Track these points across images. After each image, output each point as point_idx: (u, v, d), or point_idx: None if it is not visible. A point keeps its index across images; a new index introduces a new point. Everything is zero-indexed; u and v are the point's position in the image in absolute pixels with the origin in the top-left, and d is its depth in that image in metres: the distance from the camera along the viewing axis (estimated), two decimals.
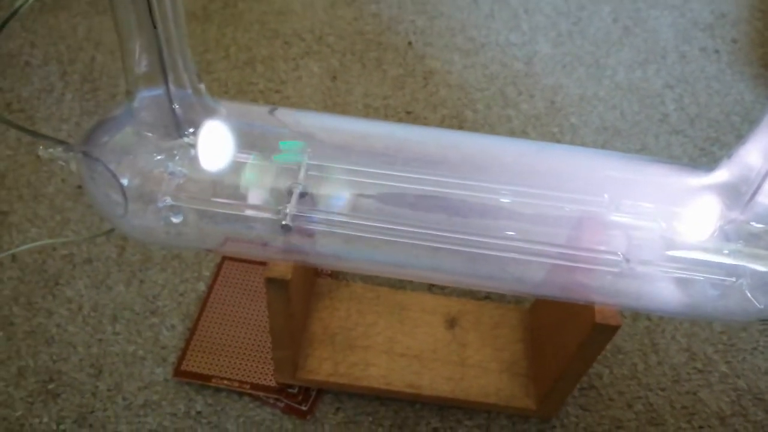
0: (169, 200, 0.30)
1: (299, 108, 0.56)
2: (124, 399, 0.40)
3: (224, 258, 0.46)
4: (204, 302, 0.44)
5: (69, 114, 0.55)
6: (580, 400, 0.41)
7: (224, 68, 0.60)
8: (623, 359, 0.43)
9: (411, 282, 0.45)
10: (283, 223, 0.29)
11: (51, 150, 0.31)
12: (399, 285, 0.45)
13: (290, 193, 0.29)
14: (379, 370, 0.40)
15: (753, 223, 0.28)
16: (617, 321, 0.31)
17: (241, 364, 0.41)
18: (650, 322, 0.45)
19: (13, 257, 0.45)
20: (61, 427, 0.38)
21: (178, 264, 0.46)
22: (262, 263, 0.46)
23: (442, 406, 0.40)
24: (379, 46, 0.64)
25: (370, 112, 0.58)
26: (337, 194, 0.30)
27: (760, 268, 0.29)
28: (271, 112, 0.32)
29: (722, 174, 0.30)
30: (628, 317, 0.45)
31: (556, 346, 0.37)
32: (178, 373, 0.40)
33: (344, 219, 0.30)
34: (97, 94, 0.57)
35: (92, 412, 0.39)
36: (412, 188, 0.30)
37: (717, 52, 0.66)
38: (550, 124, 0.57)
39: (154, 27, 0.26)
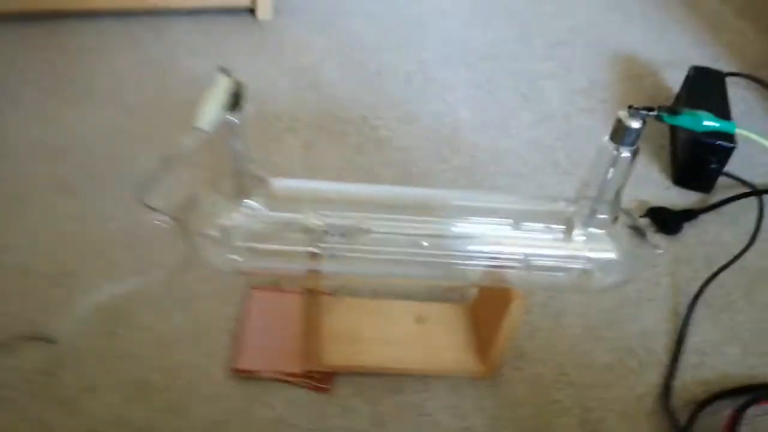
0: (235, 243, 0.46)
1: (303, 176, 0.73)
2: (196, 393, 0.54)
3: (253, 288, 0.62)
4: (243, 320, 0.59)
5: (103, 187, 0.70)
6: (515, 363, 0.59)
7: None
8: (539, 334, 0.61)
9: (388, 292, 0.63)
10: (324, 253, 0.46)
11: (157, 218, 0.47)
12: (377, 296, 0.62)
13: (323, 233, 0.46)
14: (374, 355, 0.57)
15: (592, 230, 0.47)
16: (524, 297, 0.50)
17: (276, 360, 0.56)
18: (556, 309, 0.64)
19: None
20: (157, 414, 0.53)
21: (218, 296, 0.61)
22: (282, 291, 0.62)
23: (421, 376, 0.57)
24: (339, 120, 0.82)
25: (340, 172, 0.76)
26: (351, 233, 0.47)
27: (600, 256, 0.48)
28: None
29: (572, 204, 0.49)
30: (540, 306, 0.63)
31: (491, 325, 0.55)
32: (234, 369, 0.56)
33: (356, 248, 0.47)
34: (123, 169, 0.72)
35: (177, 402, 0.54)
36: (398, 225, 0.48)
37: (593, 110, 0.88)
38: (475, 173, 0.77)
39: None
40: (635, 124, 0.42)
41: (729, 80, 0.86)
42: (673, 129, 0.84)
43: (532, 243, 0.48)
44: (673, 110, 0.43)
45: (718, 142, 0.73)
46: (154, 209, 0.46)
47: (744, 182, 0.77)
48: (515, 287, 0.50)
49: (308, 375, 0.56)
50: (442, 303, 0.62)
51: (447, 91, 0.88)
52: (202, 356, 0.57)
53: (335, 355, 0.56)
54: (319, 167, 0.76)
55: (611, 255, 0.48)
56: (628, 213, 0.48)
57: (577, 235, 0.47)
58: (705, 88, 0.82)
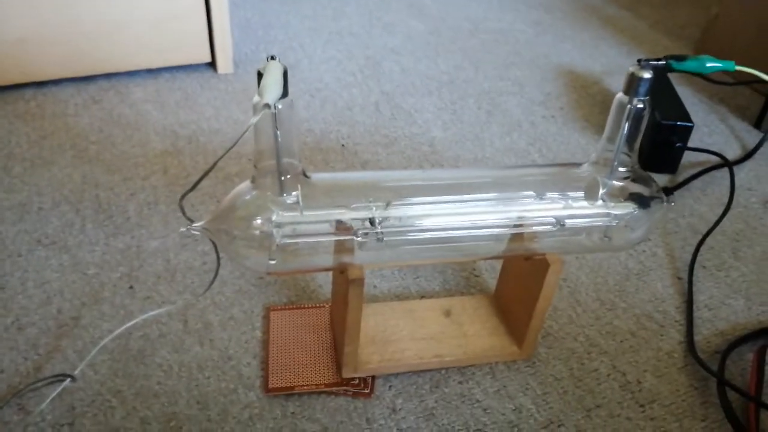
0: (277, 242, 0.46)
1: None
2: (233, 417, 0.52)
3: (270, 309, 0.60)
4: (267, 340, 0.57)
5: (96, 238, 0.68)
6: (545, 343, 0.60)
7: (211, 184, 0.76)
8: (561, 314, 0.63)
9: (408, 295, 0.63)
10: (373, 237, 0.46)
11: (189, 227, 0.46)
12: (403, 298, 0.62)
13: (365, 221, 0.47)
14: (411, 352, 0.56)
15: (615, 183, 0.50)
16: (560, 259, 0.51)
17: (310, 373, 0.55)
18: (570, 288, 0.65)
19: (100, 348, 0.56)
20: None
21: (234, 323, 0.60)
22: (300, 308, 0.61)
23: (459, 367, 0.57)
24: (321, 151, 0.83)
25: None
26: (388, 218, 0.48)
27: (624, 211, 0.51)
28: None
29: (594, 165, 0.52)
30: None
31: (522, 305, 0.56)
32: (268, 390, 0.54)
33: (395, 231, 0.47)
34: (113, 220, 0.70)
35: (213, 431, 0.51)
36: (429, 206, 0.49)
37: (553, 117, 0.93)
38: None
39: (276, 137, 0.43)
40: (647, 75, 0.46)
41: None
42: None
43: (559, 207, 0.50)
44: (678, 57, 0.47)
45: (679, 123, 0.79)
46: (187, 216, 0.45)
47: (713, 153, 0.84)
48: (549, 253, 0.51)
49: (347, 382, 0.55)
50: (466, 297, 0.63)
51: (416, 115, 0.92)
52: (231, 382, 0.54)
53: (372, 357, 0.55)
54: None
55: (633, 209, 0.50)
56: (641, 169, 0.52)
57: (601, 194, 0.50)
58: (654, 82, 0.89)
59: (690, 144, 0.83)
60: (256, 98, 0.40)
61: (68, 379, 0.53)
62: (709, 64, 0.48)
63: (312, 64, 1.02)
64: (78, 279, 0.63)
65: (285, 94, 0.42)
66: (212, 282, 0.52)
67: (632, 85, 0.47)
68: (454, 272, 0.67)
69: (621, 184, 0.51)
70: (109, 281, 0.63)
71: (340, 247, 0.48)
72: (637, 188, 0.51)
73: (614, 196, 0.51)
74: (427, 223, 0.48)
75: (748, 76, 0.50)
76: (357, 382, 0.55)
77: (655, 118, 0.80)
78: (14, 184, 0.75)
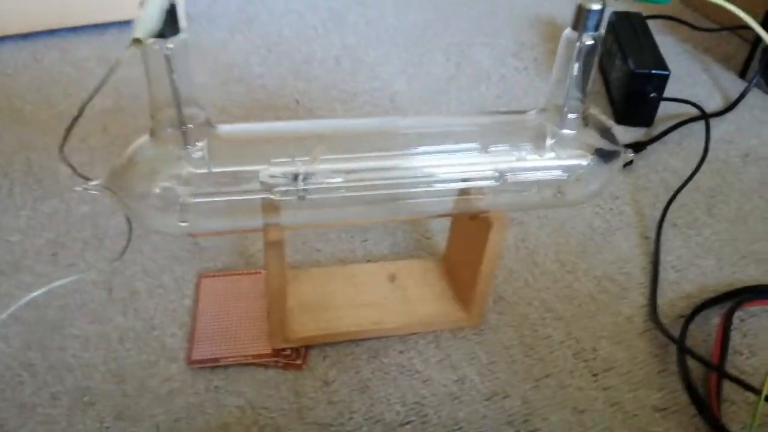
0: (183, 199, 0.41)
1: None
2: (150, 392, 0.48)
3: (201, 276, 0.56)
4: (195, 309, 0.53)
5: (23, 203, 0.63)
6: (496, 309, 0.55)
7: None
8: (517, 276, 0.58)
9: (353, 259, 0.58)
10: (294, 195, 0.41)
11: (85, 185, 0.41)
12: (348, 262, 0.58)
13: (277, 181, 0.42)
14: (348, 319, 0.52)
15: (566, 132, 0.45)
16: (505, 217, 0.47)
17: (239, 344, 0.51)
18: (528, 249, 0.61)
19: (14, 317, 0.52)
20: (105, 425, 0.46)
21: (163, 290, 0.55)
22: (233, 274, 0.57)
23: (401, 335, 0.53)
24: (273, 107, 0.78)
25: None
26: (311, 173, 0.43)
27: (575, 164, 0.46)
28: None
29: (542, 113, 0.47)
30: (512, 249, 0.61)
31: (469, 266, 0.51)
32: (191, 362, 0.50)
33: (315, 191, 0.43)
34: (42, 184, 0.66)
35: (127, 408, 0.47)
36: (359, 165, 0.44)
37: (526, 68, 0.88)
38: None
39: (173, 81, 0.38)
40: (596, 6, 0.40)
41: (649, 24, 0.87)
42: (604, 69, 0.85)
43: (503, 160, 0.45)
44: None
45: (653, 71, 0.73)
46: (82, 176, 0.40)
47: (690, 103, 0.78)
48: (492, 211, 0.47)
49: (277, 353, 0.51)
50: (413, 259, 0.58)
51: (379, 69, 0.86)
52: (153, 354, 0.51)
53: (305, 326, 0.51)
54: None
55: (585, 161, 0.46)
56: (595, 115, 0.47)
57: (550, 144, 0.45)
58: (630, 32, 0.83)
59: (668, 95, 0.77)
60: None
61: None
62: None
63: (272, 18, 0.96)
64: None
65: (176, 30, 0.37)
66: (126, 247, 0.47)
67: (581, 18, 0.42)
68: (405, 234, 0.62)
69: (572, 132, 0.46)
70: (33, 248, 0.59)
71: (262, 207, 0.43)
72: (591, 137, 0.46)
73: (565, 146, 0.46)
74: (356, 179, 0.44)
75: (732, 20, 0.45)
76: (289, 353, 0.51)
77: (628, 66, 0.74)
78: None
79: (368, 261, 0.59)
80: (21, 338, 0.51)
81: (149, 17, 0.34)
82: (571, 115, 0.45)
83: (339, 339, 0.52)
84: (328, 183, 0.43)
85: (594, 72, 0.43)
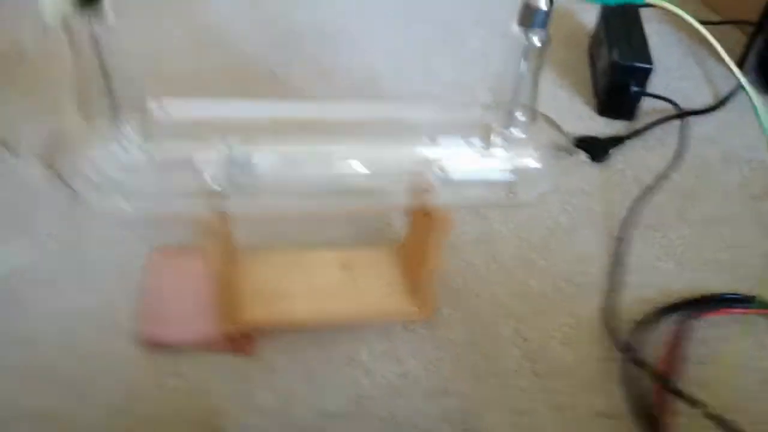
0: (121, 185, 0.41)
1: None
2: (100, 372, 0.49)
3: (155, 252, 0.56)
4: (146, 287, 0.54)
5: None
6: (450, 303, 0.55)
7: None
8: (474, 271, 0.58)
9: (312, 243, 0.58)
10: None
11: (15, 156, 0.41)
12: (302, 247, 0.58)
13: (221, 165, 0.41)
14: (299, 307, 0.52)
15: (512, 132, 0.44)
16: (448, 216, 0.46)
17: (190, 326, 0.51)
18: (488, 243, 0.61)
19: None
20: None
21: (118, 266, 0.55)
22: (189, 251, 0.56)
23: (352, 327, 0.53)
24: (246, 77, 0.77)
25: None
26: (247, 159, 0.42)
27: (524, 164, 0.45)
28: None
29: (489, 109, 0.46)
30: (471, 243, 0.60)
31: (418, 260, 0.51)
32: (141, 341, 0.50)
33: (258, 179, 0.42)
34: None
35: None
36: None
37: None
38: None
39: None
40: (542, 6, 0.39)
41: (642, 13, 0.85)
42: (593, 58, 0.83)
43: (449, 157, 0.44)
44: None
45: (636, 64, 0.72)
46: (7, 146, 0.40)
47: (667, 100, 0.76)
48: (435, 207, 0.46)
49: (228, 337, 0.51)
50: (368, 248, 0.58)
51: (362, 43, 0.84)
52: (103, 332, 0.51)
53: (255, 311, 0.51)
54: None
55: (534, 162, 0.45)
56: (545, 116, 0.46)
57: (497, 143, 0.44)
58: (620, 20, 0.81)
59: (655, 89, 0.76)
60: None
61: None
62: None
63: None
64: None
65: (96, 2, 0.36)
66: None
67: (527, 15, 0.40)
68: (368, 221, 0.62)
69: (519, 131, 0.45)
70: None
71: (200, 193, 0.43)
72: (541, 137, 0.45)
73: (514, 146, 0.45)
74: (296, 168, 0.43)
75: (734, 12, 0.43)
76: (239, 337, 0.51)
77: (612, 57, 0.72)
78: None
79: (327, 245, 0.59)
80: None
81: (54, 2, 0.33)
82: (517, 114, 0.44)
83: (289, 327, 0.52)
84: (262, 171, 0.42)
85: (541, 71, 0.42)
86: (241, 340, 0.51)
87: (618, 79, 0.72)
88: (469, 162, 0.44)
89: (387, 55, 0.83)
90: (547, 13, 0.39)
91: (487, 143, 0.44)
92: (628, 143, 0.72)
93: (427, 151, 0.44)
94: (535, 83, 0.42)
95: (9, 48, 0.77)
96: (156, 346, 0.50)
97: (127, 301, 0.53)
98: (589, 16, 0.90)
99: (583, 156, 0.47)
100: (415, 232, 0.53)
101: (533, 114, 0.44)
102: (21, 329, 0.50)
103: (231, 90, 0.75)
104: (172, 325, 0.51)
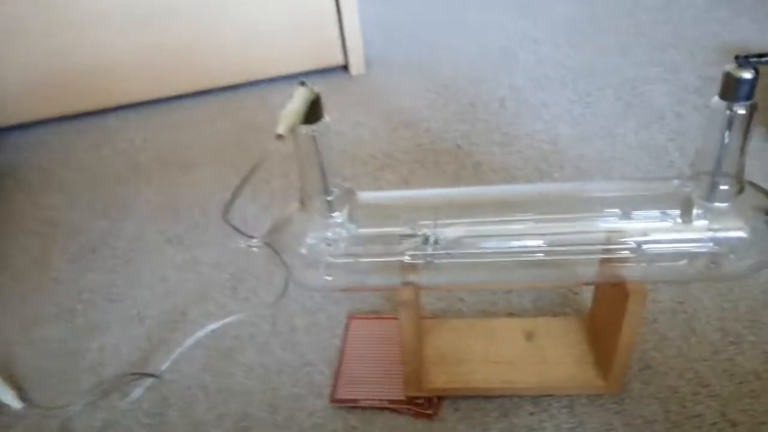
0: (326, 258, 0.46)
1: None
2: (296, 424, 0.54)
3: (351, 317, 0.61)
4: (342, 349, 0.58)
5: (215, 240, 0.74)
6: (641, 377, 0.52)
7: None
8: (670, 344, 0.54)
9: (495, 311, 0.59)
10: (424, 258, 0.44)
11: (248, 242, 0.48)
12: (485, 315, 0.59)
13: (417, 242, 0.45)
14: (481, 375, 0.53)
15: (715, 205, 0.42)
16: (643, 289, 0.44)
17: (377, 388, 0.54)
18: (686, 314, 0.56)
19: (198, 342, 0.61)
20: None
21: (317, 329, 0.61)
22: (381, 317, 0.61)
23: (534, 396, 0.52)
24: (434, 151, 0.82)
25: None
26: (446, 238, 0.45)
27: (728, 235, 0.42)
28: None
29: (687, 182, 0.44)
30: (667, 312, 0.57)
31: (610, 333, 0.49)
32: (334, 400, 0.54)
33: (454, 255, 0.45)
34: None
35: None
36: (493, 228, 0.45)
37: (707, 107, 0.80)
38: None
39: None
40: (747, 75, 0.37)
41: None
42: None
43: (645, 229, 0.43)
44: None
45: None
46: (242, 232, 0.47)
47: None
48: (631, 281, 0.45)
49: (411, 401, 0.53)
50: (553, 318, 0.57)
51: (543, 110, 0.85)
52: (303, 389, 0.56)
53: (438, 377, 0.53)
54: None
55: (741, 233, 0.42)
56: (753, 184, 0.43)
57: (698, 215, 0.42)
58: None
59: None
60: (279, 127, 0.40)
61: (152, 378, 0.59)
62: None
63: (444, 61, 1.00)
64: (192, 278, 0.69)
65: (320, 116, 0.42)
66: (285, 289, 0.53)
67: (730, 87, 0.39)
68: (551, 289, 0.61)
69: (724, 204, 0.42)
70: (218, 281, 0.68)
71: (396, 268, 0.46)
72: (747, 208, 0.42)
73: (717, 217, 0.43)
74: (486, 244, 0.45)
75: None
76: (422, 401, 0.53)
77: None
78: (162, 187, 0.84)
79: (509, 314, 0.59)
80: (201, 362, 0.60)
81: (291, 114, 0.39)
82: (722, 186, 0.42)
83: (471, 393, 0.53)
84: (456, 248, 0.45)
85: (748, 142, 0.40)
86: (424, 404, 0.53)
87: None
88: (666, 234, 0.43)
89: (569, 120, 0.83)
90: (753, 84, 0.38)
91: (687, 215, 0.42)
92: None
93: (621, 224, 0.44)
94: (742, 153, 0.40)
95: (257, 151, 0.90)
96: (348, 405, 0.54)
97: (324, 361, 0.58)
98: None
99: None
100: (605, 303, 0.51)
101: (740, 184, 0.41)
102: (230, 382, 0.57)
103: (422, 166, 0.80)
104: (363, 386, 0.55)
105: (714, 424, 0.49)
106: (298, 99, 0.41)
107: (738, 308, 0.56)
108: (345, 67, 1.02)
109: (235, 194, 0.40)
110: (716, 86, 0.85)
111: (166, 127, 0.96)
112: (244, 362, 0.59)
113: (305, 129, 0.42)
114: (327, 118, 0.42)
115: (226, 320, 0.62)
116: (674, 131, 0.77)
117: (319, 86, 0.41)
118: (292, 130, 0.41)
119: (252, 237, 0.48)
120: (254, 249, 0.48)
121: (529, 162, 0.77)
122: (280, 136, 0.39)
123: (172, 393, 0.57)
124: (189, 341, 0.60)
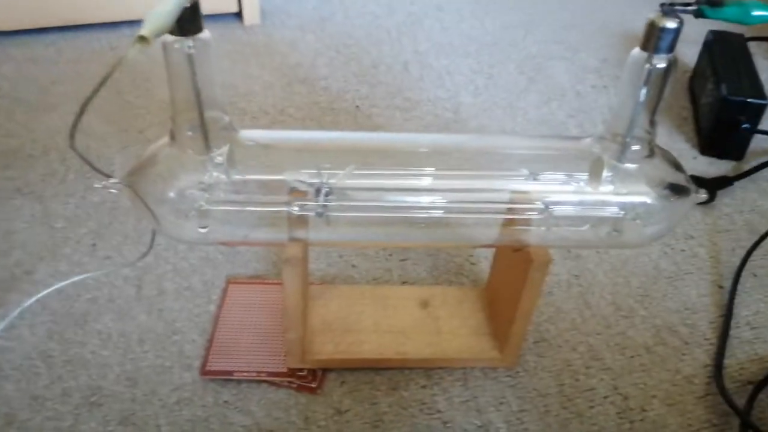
0: (200, 205, 0.39)
1: None
2: (159, 400, 0.47)
3: (229, 282, 0.55)
4: (217, 316, 0.52)
5: (74, 190, 0.64)
6: (536, 350, 0.50)
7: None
8: (564, 317, 0.53)
9: (389, 279, 0.55)
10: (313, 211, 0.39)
11: (104, 183, 0.40)
12: (378, 283, 0.54)
13: (305, 193, 0.39)
14: (371, 345, 0.49)
15: (625, 166, 0.40)
16: (547, 254, 0.42)
17: (255, 359, 0.49)
18: (582, 287, 0.55)
19: (43, 305, 0.52)
20: (108, 428, 0.45)
21: (190, 293, 0.54)
22: (263, 283, 0.54)
23: (426, 368, 0.49)
24: (332, 112, 0.76)
25: None
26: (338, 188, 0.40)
27: (633, 201, 0.40)
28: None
29: (600, 141, 0.42)
30: (563, 285, 0.55)
31: (509, 302, 0.47)
32: (204, 372, 0.48)
33: (347, 205, 0.39)
34: (95, 173, 0.66)
35: (133, 413, 0.46)
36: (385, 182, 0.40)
37: (605, 87, 0.81)
38: None
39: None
40: (671, 24, 0.35)
41: (751, 47, 0.79)
42: (694, 95, 0.77)
43: (553, 191, 0.40)
44: (714, 2, 0.36)
45: (749, 100, 0.65)
46: (97, 169, 0.39)
47: None
48: (535, 245, 0.42)
49: (293, 373, 0.48)
50: (449, 286, 0.54)
51: (446, 78, 0.82)
52: (169, 360, 0.49)
53: (324, 347, 0.48)
54: None
55: (648, 198, 0.40)
56: (663, 150, 0.41)
57: (607, 177, 0.40)
58: (727, 54, 0.75)
59: (765, 126, 0.69)
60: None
61: None
62: (755, 12, 0.36)
63: (346, 18, 0.94)
64: (44, 232, 0.59)
65: (198, 28, 0.35)
66: (150, 246, 0.46)
67: (652, 37, 0.36)
68: (448, 257, 0.58)
69: (634, 166, 0.40)
70: (74, 236, 0.59)
71: (281, 220, 0.41)
72: (655, 173, 0.41)
73: (625, 181, 0.40)
74: (384, 198, 0.40)
75: None
76: (305, 374, 0.48)
77: (720, 92, 0.67)
78: (13, 129, 0.72)
79: (404, 282, 0.56)
80: (45, 327, 0.51)
81: (159, 15, 0.32)
82: (634, 147, 0.40)
83: (359, 365, 0.48)
84: (352, 201, 0.40)
85: (663, 99, 0.38)
86: (307, 377, 0.48)
87: (727, 116, 0.66)
88: (572, 196, 0.40)
89: (471, 90, 0.80)
90: (676, 35, 0.35)
91: (597, 176, 0.40)
92: (737, 185, 0.66)
93: (527, 184, 0.41)
94: (654, 112, 0.38)
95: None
96: (221, 377, 0.48)
97: (196, 329, 0.51)
98: (688, 52, 0.84)
99: (703, 196, 0.41)
100: (504, 271, 0.48)
101: (651, 147, 0.39)
102: (80, 352, 0.49)
103: (317, 124, 0.74)
104: (239, 358, 0.49)
105: (606, 397, 0.47)
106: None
107: (630, 283, 0.56)
108: (238, 15, 0.93)
109: (82, 111, 0.33)
110: (613, 68, 0.86)
111: (24, 60, 0.83)
112: (100, 329, 0.51)
113: (179, 43, 0.35)
114: (207, 33, 0.35)
115: (75, 278, 0.53)
116: (574, 108, 0.77)
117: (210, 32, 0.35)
118: (161, 39, 0.33)
119: (109, 177, 0.40)
120: (112, 191, 0.40)
121: (430, 129, 0.74)
122: (142, 39, 0.31)
123: (7, 363, 0.48)
124: (29, 302, 0.51)
